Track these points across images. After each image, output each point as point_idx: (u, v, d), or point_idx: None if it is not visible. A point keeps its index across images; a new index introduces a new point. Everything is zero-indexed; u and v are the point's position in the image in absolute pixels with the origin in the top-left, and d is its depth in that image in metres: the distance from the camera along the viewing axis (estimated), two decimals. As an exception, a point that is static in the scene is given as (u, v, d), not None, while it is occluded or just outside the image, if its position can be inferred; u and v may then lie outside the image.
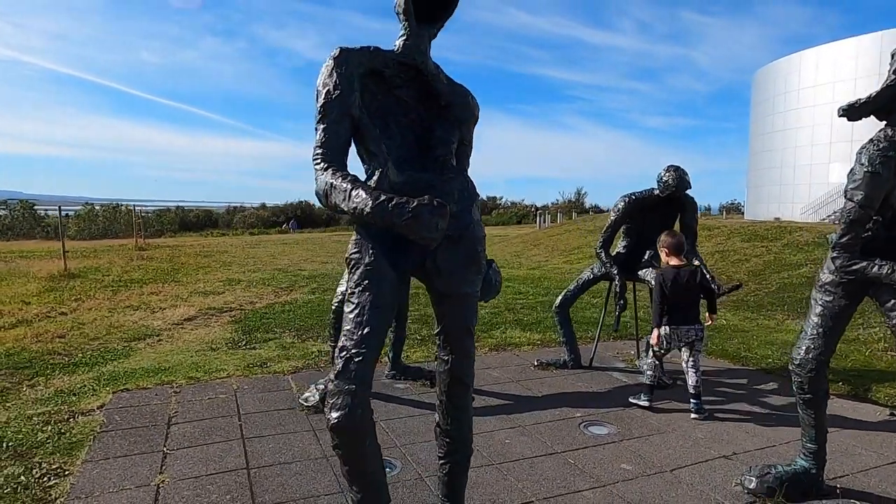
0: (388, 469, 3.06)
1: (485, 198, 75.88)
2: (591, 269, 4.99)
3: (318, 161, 1.92)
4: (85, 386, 4.37)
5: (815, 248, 9.55)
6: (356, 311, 1.84)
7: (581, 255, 14.41)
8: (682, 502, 2.73)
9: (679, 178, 4.46)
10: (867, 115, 2.49)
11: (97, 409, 3.89)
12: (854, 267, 2.45)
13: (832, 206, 31.23)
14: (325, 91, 1.94)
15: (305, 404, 3.92)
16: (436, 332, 2.13)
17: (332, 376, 1.82)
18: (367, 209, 1.70)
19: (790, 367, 2.73)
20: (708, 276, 4.49)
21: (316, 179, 1.92)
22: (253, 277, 11.25)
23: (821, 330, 2.60)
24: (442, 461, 2.27)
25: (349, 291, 1.89)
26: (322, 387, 4.02)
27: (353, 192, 1.75)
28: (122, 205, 47.94)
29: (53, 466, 3.02)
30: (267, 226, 59.31)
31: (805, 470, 2.77)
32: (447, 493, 2.30)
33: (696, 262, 4.60)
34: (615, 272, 4.72)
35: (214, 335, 6.25)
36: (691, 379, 3.90)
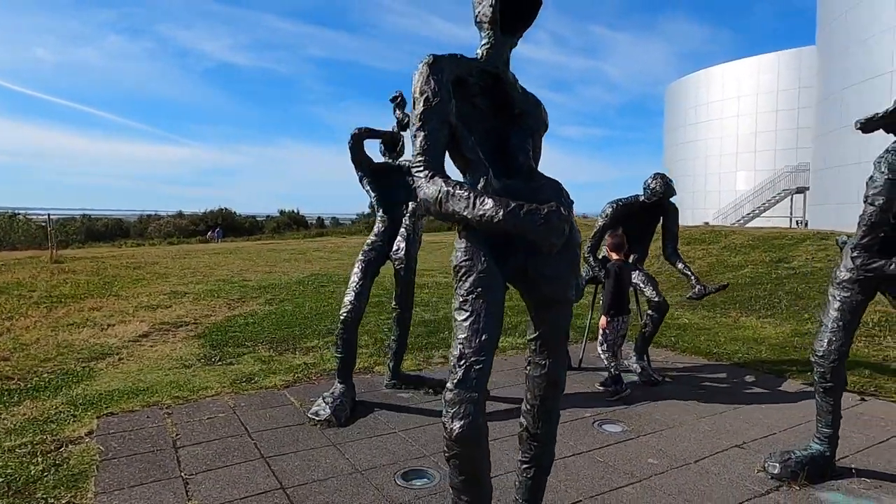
0: (426, 480, 3.03)
1: (413, 205, 75.95)
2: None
3: (422, 168, 1.89)
4: (61, 412, 4.00)
5: (751, 249, 10.36)
6: (472, 319, 1.83)
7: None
8: (715, 491, 2.89)
9: (666, 186, 4.71)
10: (879, 129, 2.75)
11: (86, 436, 3.57)
12: (874, 265, 2.71)
13: (741, 211, 33.80)
14: (423, 98, 1.92)
15: (316, 418, 3.80)
16: (531, 337, 2.15)
17: (450, 385, 1.79)
18: (499, 217, 1.70)
19: (812, 360, 2.97)
20: (693, 277, 4.77)
21: (419, 187, 1.89)
22: (198, 289, 10.68)
23: (840, 323, 2.85)
24: (525, 465, 2.28)
25: (461, 299, 1.87)
26: (331, 399, 3.91)
27: (480, 200, 1.74)
28: (18, 213, 43.92)
29: (63, 502, 2.76)
30: (186, 235, 56.39)
31: (821, 453, 3.01)
32: (528, 497, 2.31)
33: (681, 266, 4.87)
34: (603, 274, 4.91)
35: (182, 351, 5.90)
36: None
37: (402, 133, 4.69)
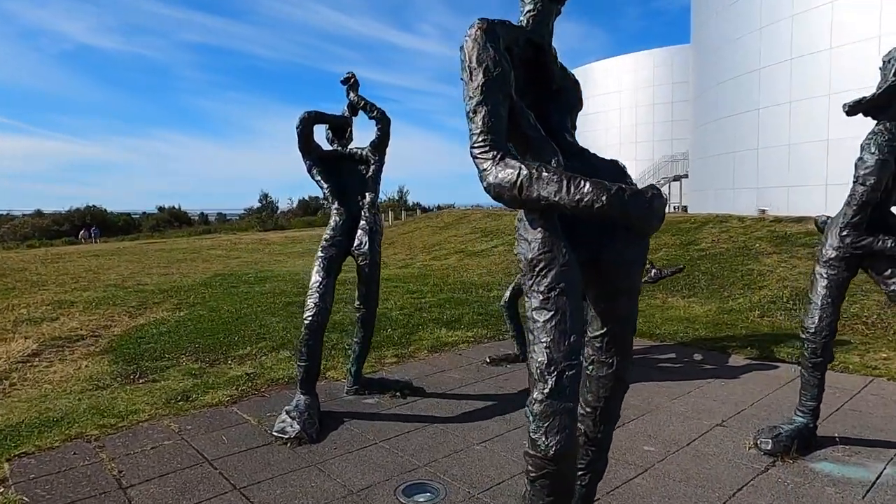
0: (429, 494, 2.78)
1: (306, 198, 73.58)
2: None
3: (486, 149, 1.64)
4: (-47, 458, 3.25)
5: (660, 233, 10.97)
6: (558, 318, 1.60)
7: (443, 251, 14.68)
8: (721, 473, 2.90)
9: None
10: (864, 113, 2.87)
11: (-2, 485, 2.91)
12: (862, 242, 2.83)
13: (626, 198, 35.99)
14: (483, 68, 1.66)
15: (284, 437, 3.38)
16: (596, 334, 1.96)
17: (539, 396, 1.57)
18: (602, 201, 1.49)
19: (802, 336, 3.07)
20: (647, 261, 4.86)
21: (486, 171, 1.63)
22: (86, 297, 9.45)
23: (829, 300, 2.96)
24: (581, 472, 2.10)
25: (541, 297, 1.64)
26: (296, 413, 3.51)
27: (576, 183, 1.52)
28: None
29: (-8, 574, 2.19)
30: (49, 236, 50.44)
31: (805, 425, 3.14)
32: (581, 505, 2.14)
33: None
34: None
35: (89, 370, 5.11)
36: None
37: (352, 118, 4.32)
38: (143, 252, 19.41)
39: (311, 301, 3.66)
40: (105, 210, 64.78)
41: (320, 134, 4.32)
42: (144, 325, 7.07)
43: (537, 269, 1.67)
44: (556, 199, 1.54)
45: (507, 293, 5.02)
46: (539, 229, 1.70)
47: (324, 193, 4.14)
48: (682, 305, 7.14)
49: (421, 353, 5.38)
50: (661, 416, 3.71)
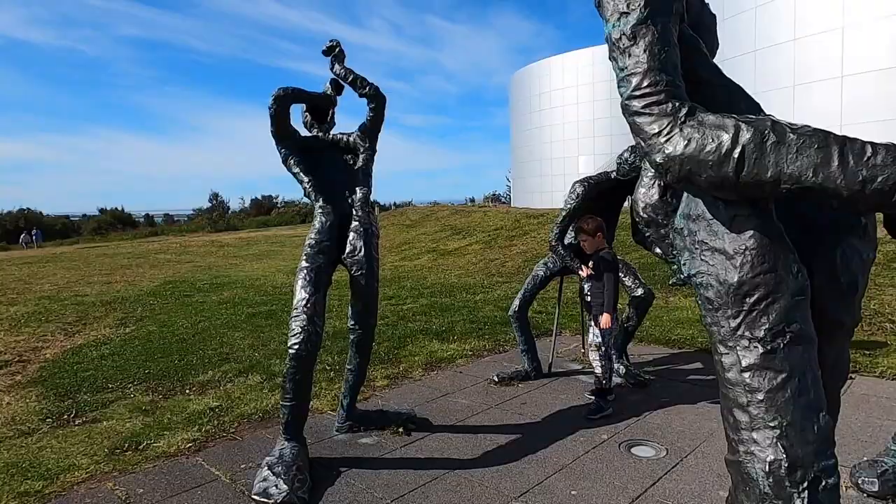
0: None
1: (259, 197, 71.25)
2: (545, 264, 4.46)
3: (659, 98, 0.97)
4: None
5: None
6: (795, 384, 0.95)
7: (414, 250, 13.95)
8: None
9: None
10: None
11: None
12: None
13: (586, 192, 36.10)
14: None
15: (269, 501, 2.63)
16: None
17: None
18: None
19: None
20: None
21: (660, 135, 0.98)
22: (13, 313, 8.29)
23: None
24: None
25: (761, 348, 0.99)
26: (281, 467, 2.76)
27: (856, 149, 0.86)
28: None
29: None
30: (-25, 242, 46.96)
31: (910, 458, 2.61)
32: None
33: (658, 251, 4.38)
34: (577, 263, 4.26)
35: (10, 410, 4.18)
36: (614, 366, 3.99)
37: (336, 97, 3.57)
38: (82, 258, 17.88)
39: (297, 324, 2.90)
40: (41, 213, 61.03)
41: (297, 117, 3.56)
42: (83, 346, 6.10)
43: (751, 302, 1.00)
44: (818, 179, 0.88)
45: (516, 302, 4.38)
46: (752, 234, 1.03)
47: (304, 190, 3.39)
48: (687, 305, 6.67)
49: (415, 371, 4.68)
50: (720, 445, 3.14)
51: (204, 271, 13.14)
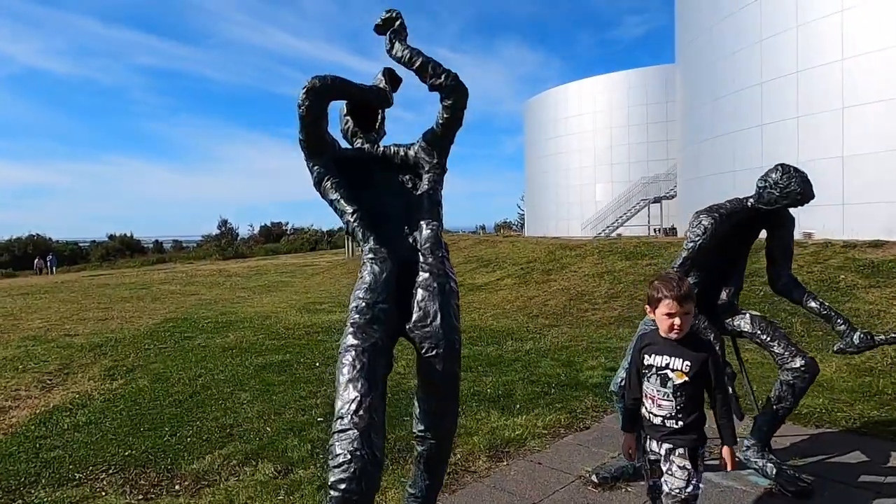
0: None
1: (268, 224, 70.71)
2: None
3: None
4: None
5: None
6: None
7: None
8: None
9: (805, 184, 3.08)
10: None
11: None
12: None
13: (605, 222, 35.15)
14: None
15: None
16: None
17: None
18: None
19: None
20: (841, 320, 3.20)
21: None
22: (-10, 358, 7.24)
23: None
24: None
25: None
26: None
27: None
28: None
29: None
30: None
31: None
32: None
33: (814, 304, 3.26)
34: (705, 325, 3.16)
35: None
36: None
37: (392, 91, 2.54)
38: (82, 288, 16.92)
39: (343, 446, 1.78)
40: (49, 238, 60.72)
41: (333, 122, 2.53)
42: (57, 407, 5.01)
43: None
44: None
45: (618, 377, 3.26)
46: None
47: (347, 224, 2.33)
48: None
49: (477, 460, 3.53)
50: None
51: (209, 307, 12.08)
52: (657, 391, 2.18)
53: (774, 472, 3.03)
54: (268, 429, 4.16)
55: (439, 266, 2.23)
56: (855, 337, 3.10)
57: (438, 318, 2.11)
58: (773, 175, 3.11)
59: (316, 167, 2.38)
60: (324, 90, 2.24)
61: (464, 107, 2.37)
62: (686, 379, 2.12)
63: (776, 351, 3.11)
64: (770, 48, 16.29)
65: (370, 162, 2.54)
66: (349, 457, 1.74)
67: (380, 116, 2.72)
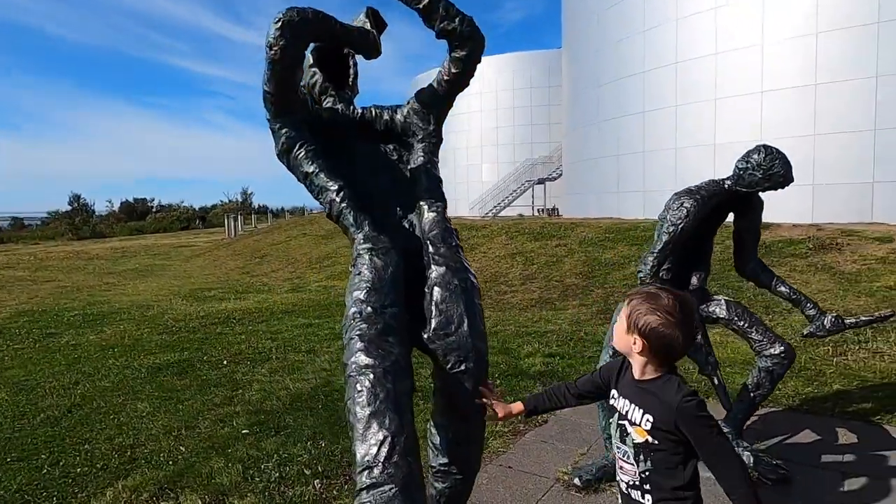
0: None
1: (131, 200, 64.17)
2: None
3: None
4: None
5: (613, 244, 9.69)
6: None
7: (339, 266, 12.16)
8: None
9: (790, 167, 3.00)
10: None
11: None
12: None
13: (492, 202, 35.91)
14: None
15: None
16: None
17: None
18: None
19: None
20: (811, 304, 3.22)
21: None
22: None
23: None
24: None
25: None
26: None
27: None
28: None
29: None
30: None
31: None
32: None
33: (784, 288, 3.26)
34: (705, 349, 3.04)
35: None
36: None
37: (378, 34, 2.04)
38: None
39: (376, 497, 1.32)
40: None
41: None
42: None
43: None
44: None
45: (606, 357, 3.05)
46: None
47: (331, 206, 1.81)
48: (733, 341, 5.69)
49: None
50: None
51: (72, 295, 10.44)
52: (618, 447, 1.56)
53: (752, 460, 2.99)
54: (181, 448, 3.46)
55: (455, 258, 1.80)
56: (826, 321, 3.13)
57: (465, 324, 1.69)
58: (756, 156, 3.01)
59: (284, 130, 1.83)
60: (303, 26, 1.69)
61: (479, 60, 1.95)
62: (647, 438, 1.45)
63: (754, 337, 3.06)
64: (652, 39, 17.22)
65: (347, 127, 2.02)
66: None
67: (352, 70, 2.20)
